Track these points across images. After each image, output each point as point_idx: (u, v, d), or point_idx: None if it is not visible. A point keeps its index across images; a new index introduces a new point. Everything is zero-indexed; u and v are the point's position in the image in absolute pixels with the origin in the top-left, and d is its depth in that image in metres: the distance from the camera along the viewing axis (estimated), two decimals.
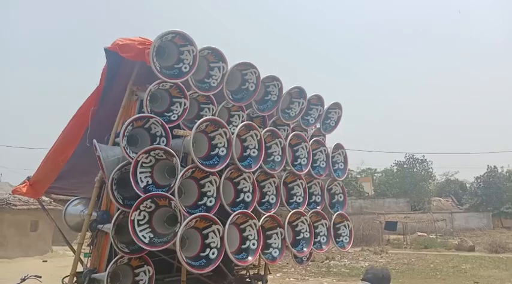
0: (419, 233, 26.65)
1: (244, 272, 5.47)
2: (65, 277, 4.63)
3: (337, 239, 5.28)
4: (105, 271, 3.89)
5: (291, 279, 12.18)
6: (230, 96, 4.64)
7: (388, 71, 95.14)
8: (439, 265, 15.24)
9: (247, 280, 5.24)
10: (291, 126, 5.38)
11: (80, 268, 4.71)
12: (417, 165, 41.10)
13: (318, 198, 5.27)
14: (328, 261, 15.98)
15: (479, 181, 40.03)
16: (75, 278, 4.51)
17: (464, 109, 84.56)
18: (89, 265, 4.54)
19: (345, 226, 5.38)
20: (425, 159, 41.02)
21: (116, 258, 3.89)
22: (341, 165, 5.57)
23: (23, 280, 5.03)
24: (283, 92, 5.05)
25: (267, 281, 5.38)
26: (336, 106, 5.69)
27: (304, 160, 5.04)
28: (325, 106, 5.55)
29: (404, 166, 41.38)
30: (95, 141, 4.19)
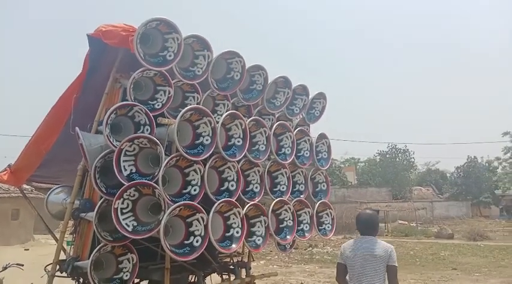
0: (400, 222, 27.24)
1: (228, 259, 5.52)
2: (47, 265, 4.60)
3: (320, 227, 5.37)
4: (88, 259, 3.88)
5: (275, 266, 12.34)
6: (215, 85, 4.63)
7: (374, 63, 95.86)
8: (418, 252, 15.63)
9: (231, 267, 5.29)
10: (276, 116, 5.40)
11: (62, 256, 4.69)
12: (399, 155, 41.81)
13: (302, 187, 5.34)
14: (311, 249, 16.24)
15: (459, 171, 40.99)
16: (58, 266, 4.49)
17: (447, 101, 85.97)
18: (71, 253, 4.52)
19: (327, 214, 5.46)
20: (408, 149, 41.79)
21: (99, 246, 3.88)
22: (324, 155, 5.64)
23: (5, 268, 4.99)
24: (269, 82, 5.06)
25: (250, 268, 5.44)
26: (321, 96, 5.73)
27: (288, 150, 5.08)
28: (310, 96, 5.58)
29: (387, 156, 42.06)
30: (77, 128, 4.14)
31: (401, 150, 41.68)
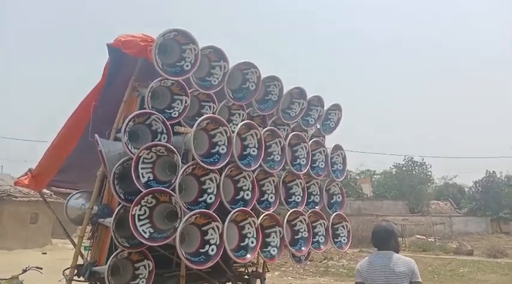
0: (417, 236, 26.69)
1: (242, 269, 5.52)
2: (65, 269, 4.68)
3: (336, 240, 5.33)
4: (106, 264, 3.94)
5: (289, 278, 12.23)
6: (231, 95, 4.69)
7: (391, 74, 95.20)
8: (437, 268, 15.28)
9: (246, 277, 5.30)
10: (291, 126, 5.43)
11: (80, 261, 4.76)
12: (416, 167, 41.10)
13: (317, 198, 5.32)
14: (326, 261, 16.03)
15: (477, 185, 40.06)
16: (75, 271, 4.56)
17: (464, 115, 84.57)
18: (89, 258, 4.60)
19: (343, 226, 5.43)
20: (424, 162, 41.04)
21: (116, 252, 3.94)
22: (340, 166, 5.62)
23: (24, 271, 5.09)
24: (284, 92, 5.10)
25: (265, 279, 5.43)
26: (336, 107, 5.74)
27: (303, 160, 5.09)
28: (325, 108, 5.60)
29: (403, 168, 41.39)
30: (96, 135, 4.24)
31: (418, 163, 41.00)
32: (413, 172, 40.76)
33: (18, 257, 13.08)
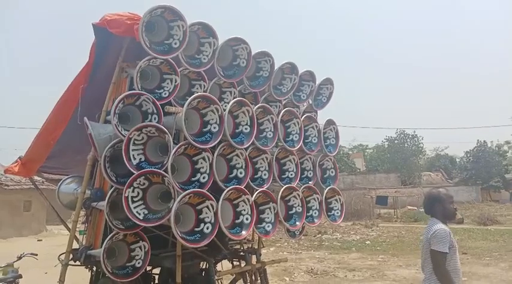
0: (409, 207, 27.20)
1: (238, 246, 5.56)
2: (60, 254, 4.67)
3: (329, 213, 5.37)
4: (101, 247, 3.94)
5: (285, 253, 12.43)
6: (221, 72, 4.61)
7: (384, 48, 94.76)
8: None
9: (242, 253, 5.33)
10: (283, 102, 5.38)
11: (75, 246, 4.76)
12: (408, 140, 41.54)
13: (310, 173, 5.33)
14: (320, 235, 16.31)
15: (468, 155, 40.66)
16: (71, 255, 4.56)
17: (455, 85, 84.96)
18: (84, 242, 4.59)
19: (336, 200, 5.46)
20: (416, 135, 41.49)
21: (111, 234, 3.93)
22: (332, 141, 5.61)
23: (19, 258, 5.08)
24: (275, 68, 5.03)
25: (260, 255, 5.47)
26: (328, 82, 5.68)
27: (296, 136, 5.07)
28: (317, 82, 5.54)
29: (395, 141, 41.80)
30: (86, 118, 4.16)
31: (410, 136, 41.39)
32: (405, 145, 41.20)
33: (14, 245, 13.10)
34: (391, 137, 42.28)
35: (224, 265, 5.69)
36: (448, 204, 3.55)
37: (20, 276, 4.85)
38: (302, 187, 5.03)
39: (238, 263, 5.44)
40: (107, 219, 3.93)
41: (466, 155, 41.28)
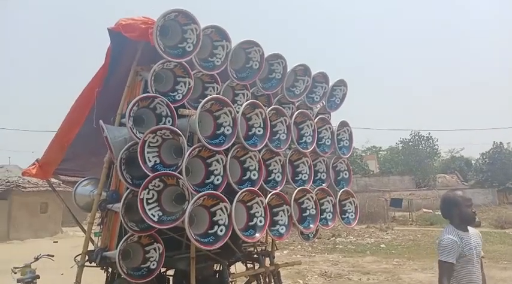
0: (424, 210, 26.83)
1: (252, 248, 5.56)
2: (76, 256, 4.74)
3: (343, 216, 5.34)
4: (116, 249, 3.98)
5: (298, 256, 12.37)
6: (234, 75, 4.63)
7: (397, 49, 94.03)
8: None
9: (255, 256, 5.33)
10: (296, 104, 5.37)
11: (91, 247, 4.82)
12: (422, 142, 41.02)
13: (323, 175, 5.31)
14: (334, 238, 16.19)
15: (484, 157, 39.95)
16: (87, 257, 4.62)
17: (472, 86, 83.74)
18: (100, 244, 4.64)
19: (350, 202, 5.43)
20: (431, 136, 40.94)
21: (126, 236, 3.98)
22: (346, 143, 5.58)
23: (36, 259, 5.17)
24: (288, 70, 5.03)
25: (274, 257, 5.47)
26: (341, 83, 5.66)
27: (309, 138, 5.05)
28: (330, 84, 5.52)
29: (410, 143, 41.32)
30: (101, 122, 4.23)
31: (425, 137, 40.87)
32: (420, 147, 40.70)
33: (30, 247, 13.32)
34: (405, 139, 41.84)
35: (238, 268, 5.70)
36: (466, 208, 3.37)
37: (38, 277, 4.94)
38: (316, 190, 5.01)
39: (252, 265, 5.44)
40: (122, 221, 3.97)
41: (481, 157, 40.57)
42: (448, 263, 3.22)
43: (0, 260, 10.45)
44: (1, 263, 9.61)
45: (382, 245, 14.57)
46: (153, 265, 4.16)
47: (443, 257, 3.25)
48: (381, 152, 50.01)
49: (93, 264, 4.72)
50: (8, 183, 16.50)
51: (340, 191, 5.28)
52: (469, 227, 3.47)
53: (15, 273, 4.90)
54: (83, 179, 5.64)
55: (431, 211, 26.40)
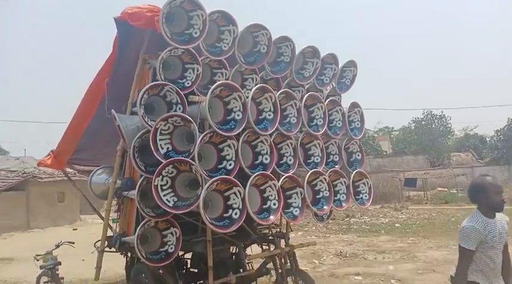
0: (439, 189, 26.65)
1: (267, 231, 5.63)
2: (96, 242, 4.87)
3: (357, 197, 5.35)
4: (134, 234, 4.08)
5: (313, 237, 12.45)
6: (242, 59, 4.62)
7: (397, 39, 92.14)
8: (460, 218, 15.26)
9: (270, 238, 5.40)
10: (306, 87, 5.35)
11: (109, 233, 4.94)
12: (435, 121, 40.44)
13: (336, 157, 5.31)
14: (348, 219, 16.23)
15: (499, 134, 39.25)
16: (106, 242, 4.74)
17: (472, 77, 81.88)
18: (118, 230, 4.76)
19: (364, 183, 5.43)
20: (444, 115, 40.30)
21: (143, 222, 4.07)
22: (357, 124, 5.56)
23: (58, 246, 5.32)
24: (296, 53, 4.99)
25: (289, 239, 5.53)
26: (351, 64, 5.60)
27: (320, 121, 5.04)
28: (340, 65, 5.47)
29: (423, 122, 40.77)
30: (113, 111, 4.28)
31: (438, 116, 40.29)
32: (433, 126, 40.16)
33: (51, 235, 13.66)
34: (417, 118, 41.32)
35: (254, 250, 5.79)
36: (494, 195, 3.18)
37: (59, 263, 5.09)
38: (328, 172, 5.02)
39: (267, 247, 5.52)
40: (138, 207, 4.05)
41: (496, 134, 39.83)
42: (467, 250, 3.19)
43: (22, 248, 10.78)
44: (24, 251, 9.94)
45: (396, 225, 14.56)
46: (171, 248, 4.26)
47: (464, 244, 3.19)
48: (393, 132, 49.54)
49: (113, 249, 4.86)
50: (25, 174, 16.85)
51: (354, 172, 5.29)
52: (496, 213, 3.38)
53: (38, 260, 5.06)
54: (98, 168, 5.75)
55: (446, 189, 26.22)
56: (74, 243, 5.41)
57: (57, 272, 4.98)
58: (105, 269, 5.07)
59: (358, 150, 5.57)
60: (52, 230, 16.12)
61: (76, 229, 16.27)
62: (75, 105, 5.20)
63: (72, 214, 18.44)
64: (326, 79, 5.47)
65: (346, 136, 5.42)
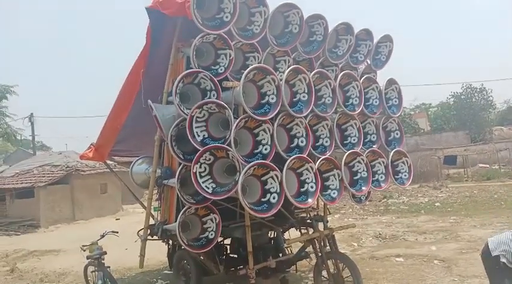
0: (480, 165, 25.65)
1: (304, 214, 5.61)
2: (139, 230, 5.00)
3: (396, 176, 5.23)
4: (176, 221, 4.15)
5: (350, 219, 12.34)
6: (274, 41, 4.55)
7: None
8: (503, 195, 14.70)
9: (308, 221, 5.37)
10: (340, 66, 5.22)
11: (151, 222, 5.06)
12: (475, 94, 38.73)
13: (373, 137, 5.18)
14: (386, 200, 15.94)
15: None
16: (148, 231, 4.86)
17: None
18: (159, 218, 4.87)
19: (403, 162, 5.29)
20: (484, 88, 38.50)
21: (184, 209, 4.13)
22: (395, 101, 5.39)
23: (103, 236, 5.49)
24: (329, 30, 4.86)
25: (327, 222, 5.48)
26: (386, 39, 5.41)
27: (356, 100, 4.92)
28: (375, 41, 5.29)
29: (462, 97, 39.15)
30: (149, 101, 4.34)
31: (478, 89, 38.56)
32: (473, 100, 38.51)
33: (95, 226, 14.20)
34: (456, 93, 39.73)
35: (292, 234, 5.78)
36: None
37: (105, 253, 5.25)
38: (366, 152, 4.91)
39: (306, 231, 5.50)
40: (179, 195, 4.12)
41: None
42: None
43: (69, 240, 11.26)
44: (70, 242, 10.39)
45: (436, 204, 14.16)
46: (211, 234, 4.31)
47: None
48: (431, 109, 47.94)
49: (155, 237, 4.98)
50: (68, 168, 17.52)
51: (392, 151, 5.15)
52: None
53: (84, 251, 5.24)
54: (138, 158, 5.88)
55: (487, 165, 25.24)
56: (117, 232, 5.57)
57: (103, 261, 5.13)
58: (148, 258, 5.21)
59: (397, 128, 5.41)
60: (96, 221, 16.74)
61: (119, 219, 16.81)
62: (111, 98, 5.31)
63: (114, 204, 19.08)
64: (360, 57, 5.31)
65: (383, 114, 5.27)
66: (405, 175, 5.29)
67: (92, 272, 5.35)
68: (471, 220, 10.51)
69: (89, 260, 5.33)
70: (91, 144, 6.34)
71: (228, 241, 5.57)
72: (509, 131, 38.04)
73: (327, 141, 4.71)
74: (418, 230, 9.85)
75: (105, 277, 4.96)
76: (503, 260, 3.19)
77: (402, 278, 5.74)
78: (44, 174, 17.25)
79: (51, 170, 17.66)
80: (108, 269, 5.08)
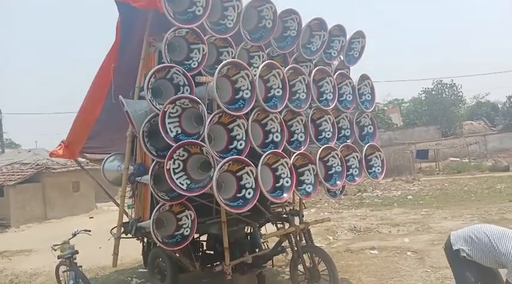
0: (451, 159, 26.42)
1: (280, 209, 5.63)
2: (112, 229, 4.90)
3: (370, 171, 5.31)
4: (150, 219, 4.09)
5: (326, 213, 12.48)
6: (248, 36, 4.52)
7: None
8: (473, 187, 15.20)
9: (284, 216, 5.40)
10: (314, 62, 5.25)
11: (125, 219, 4.97)
12: (446, 90, 39.81)
13: (347, 132, 5.24)
14: (360, 193, 16.21)
15: (511, 100, 38.63)
16: (122, 229, 4.77)
17: (491, 26, 79.77)
18: (133, 216, 4.78)
19: (376, 156, 5.37)
20: (454, 84, 39.62)
21: (158, 206, 4.07)
22: (368, 96, 5.46)
23: (74, 235, 5.36)
24: (303, 26, 4.86)
25: (303, 216, 5.53)
26: (359, 35, 5.47)
27: (329, 95, 4.96)
28: (348, 37, 5.33)
29: (433, 92, 40.18)
30: (121, 97, 4.23)
31: (448, 85, 39.64)
32: (444, 95, 39.57)
33: (68, 224, 13.88)
34: (428, 88, 40.71)
35: (268, 229, 5.79)
36: None
37: (77, 252, 5.13)
38: (340, 147, 4.97)
39: (282, 225, 5.52)
40: (153, 192, 4.05)
41: (508, 100, 39.23)
42: None
43: (40, 239, 10.96)
44: (42, 242, 10.10)
45: (409, 197, 14.50)
46: (187, 231, 4.27)
47: None
48: (403, 104, 49.03)
49: (129, 235, 4.89)
50: (38, 166, 17.03)
51: (366, 146, 5.22)
52: None
53: (55, 250, 5.11)
54: (109, 155, 5.75)
55: (458, 159, 26.01)
56: (90, 231, 5.44)
57: (75, 261, 5.02)
58: (122, 256, 5.12)
59: (370, 123, 5.49)
60: (69, 219, 16.36)
61: (92, 217, 16.49)
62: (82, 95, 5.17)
63: (88, 202, 18.68)
64: (334, 53, 5.35)
65: (357, 109, 5.33)
66: (378, 169, 5.38)
67: (63, 272, 5.22)
68: (442, 212, 10.80)
69: (60, 260, 5.20)
70: (61, 141, 6.16)
71: (204, 238, 5.54)
72: (478, 125, 39.32)
73: (301, 136, 4.73)
74: (391, 222, 10.05)
75: (77, 277, 4.85)
76: (463, 254, 3.31)
77: (377, 271, 5.84)
78: (13, 172, 16.73)
79: (21, 168, 17.14)
80: (80, 268, 4.97)
